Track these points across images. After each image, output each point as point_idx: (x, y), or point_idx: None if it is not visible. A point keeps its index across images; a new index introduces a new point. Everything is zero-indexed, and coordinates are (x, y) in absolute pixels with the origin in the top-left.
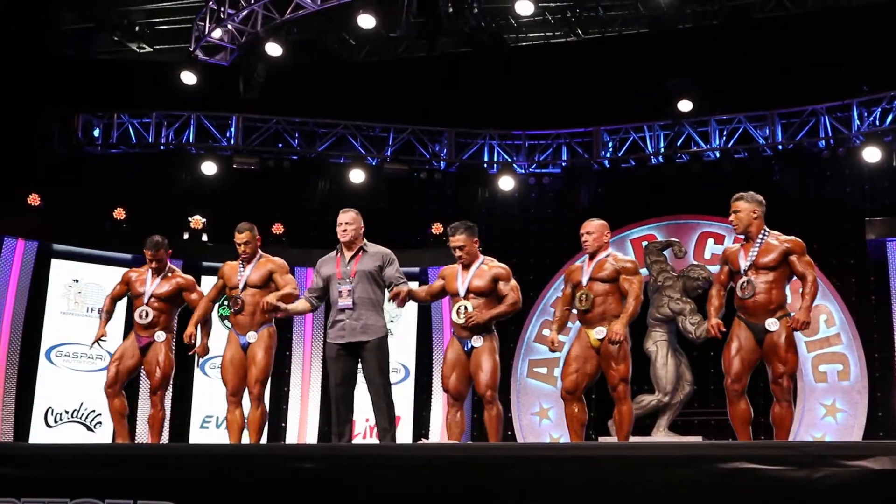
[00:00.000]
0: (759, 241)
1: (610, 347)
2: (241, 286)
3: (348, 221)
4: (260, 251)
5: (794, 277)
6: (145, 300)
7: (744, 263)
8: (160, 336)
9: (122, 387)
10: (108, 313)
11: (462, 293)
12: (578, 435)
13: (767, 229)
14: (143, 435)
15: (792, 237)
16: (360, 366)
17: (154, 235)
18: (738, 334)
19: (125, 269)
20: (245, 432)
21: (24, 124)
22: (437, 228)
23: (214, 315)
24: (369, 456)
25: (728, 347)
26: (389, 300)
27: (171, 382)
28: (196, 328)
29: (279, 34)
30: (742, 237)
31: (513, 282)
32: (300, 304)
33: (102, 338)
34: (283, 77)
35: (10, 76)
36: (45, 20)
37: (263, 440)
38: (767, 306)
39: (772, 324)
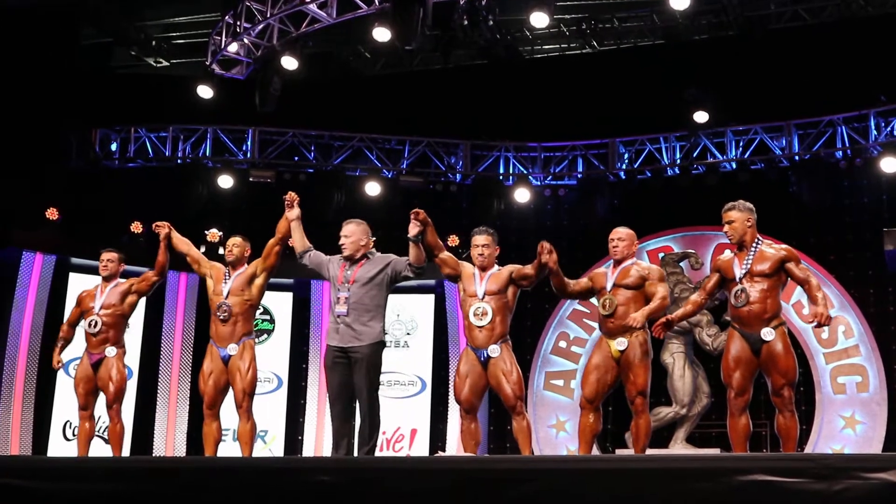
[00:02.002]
0: (753, 249)
1: (630, 358)
2: (224, 294)
3: (346, 234)
4: (246, 264)
5: (787, 286)
6: (96, 311)
7: (739, 272)
8: (111, 351)
9: (93, 410)
10: (66, 340)
11: (480, 295)
12: (589, 445)
13: (760, 237)
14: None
15: (785, 245)
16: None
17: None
18: (735, 346)
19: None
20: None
21: (43, 139)
22: (452, 241)
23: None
24: (385, 469)
25: (726, 360)
26: (412, 221)
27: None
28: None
29: (295, 48)
30: (735, 247)
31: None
32: (300, 234)
33: (61, 364)
34: (299, 90)
35: (29, 90)
36: (64, 35)
37: (280, 453)
38: (762, 315)
39: (767, 333)
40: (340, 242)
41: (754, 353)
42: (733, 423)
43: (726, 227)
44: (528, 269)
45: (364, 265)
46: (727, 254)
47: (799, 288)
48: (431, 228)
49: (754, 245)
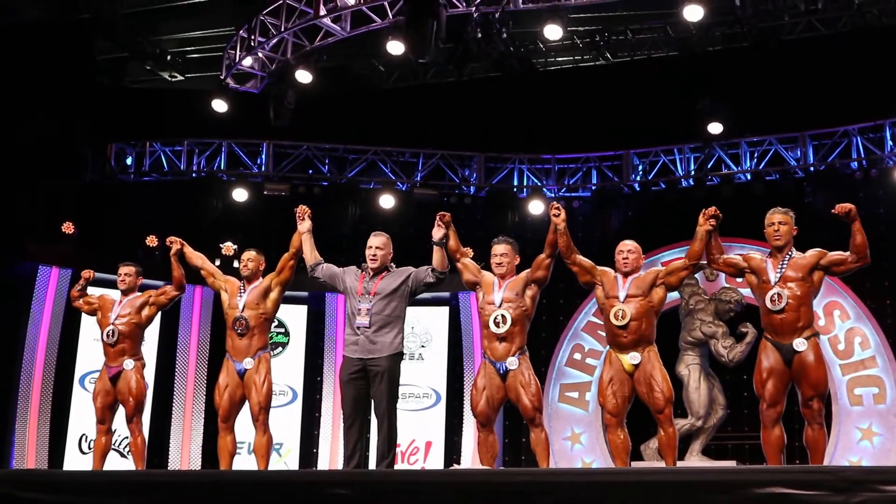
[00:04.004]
0: (788, 255)
1: (648, 370)
2: (240, 308)
3: (379, 246)
4: (261, 277)
5: (818, 297)
6: (112, 320)
7: (773, 276)
8: (129, 364)
9: (111, 424)
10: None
11: (497, 303)
12: (624, 463)
13: (793, 248)
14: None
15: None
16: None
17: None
18: (767, 356)
19: None
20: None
21: (58, 153)
22: (467, 252)
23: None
24: (402, 482)
25: (758, 371)
26: (436, 223)
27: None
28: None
29: (309, 61)
30: (767, 251)
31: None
32: (311, 246)
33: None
34: (313, 104)
35: (44, 105)
36: (79, 50)
37: (295, 466)
38: (795, 324)
39: (800, 343)
40: (372, 254)
41: (786, 364)
42: (766, 435)
43: (776, 227)
44: (541, 255)
45: (385, 277)
46: (757, 254)
47: None
48: (454, 233)
49: (790, 253)
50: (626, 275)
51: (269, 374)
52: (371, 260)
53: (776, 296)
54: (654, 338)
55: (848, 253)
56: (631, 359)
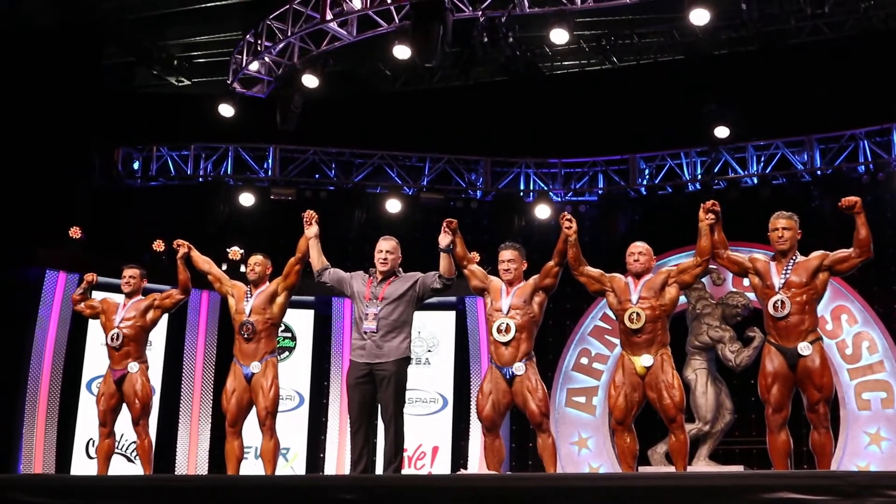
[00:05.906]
0: (793, 259)
1: (660, 376)
2: (246, 312)
3: (389, 250)
4: (268, 282)
5: (822, 301)
6: (116, 324)
7: (777, 280)
8: (133, 367)
9: (113, 427)
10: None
11: (505, 310)
12: (631, 467)
13: (797, 251)
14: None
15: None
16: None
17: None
18: (771, 361)
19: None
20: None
21: (66, 158)
22: (473, 257)
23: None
24: (409, 487)
25: (763, 376)
26: (443, 230)
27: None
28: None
29: (315, 66)
30: (771, 254)
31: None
32: (318, 251)
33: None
34: (320, 108)
35: (52, 110)
36: (87, 55)
37: (302, 471)
38: (799, 327)
39: (804, 348)
40: (382, 258)
41: (790, 368)
42: (772, 440)
43: (781, 232)
44: (550, 262)
45: (393, 282)
46: (762, 256)
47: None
48: (461, 239)
49: (794, 257)
50: (637, 277)
51: (276, 379)
52: (381, 263)
53: (779, 302)
54: (668, 340)
55: (851, 249)
56: (643, 361)
